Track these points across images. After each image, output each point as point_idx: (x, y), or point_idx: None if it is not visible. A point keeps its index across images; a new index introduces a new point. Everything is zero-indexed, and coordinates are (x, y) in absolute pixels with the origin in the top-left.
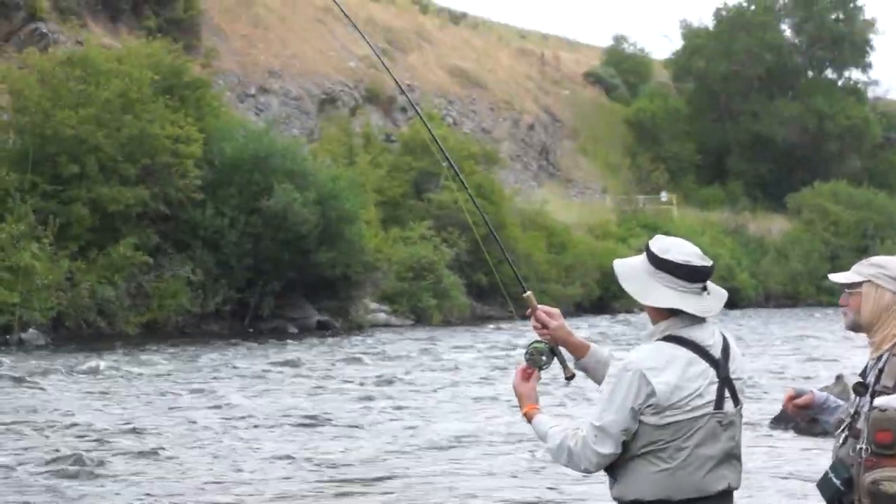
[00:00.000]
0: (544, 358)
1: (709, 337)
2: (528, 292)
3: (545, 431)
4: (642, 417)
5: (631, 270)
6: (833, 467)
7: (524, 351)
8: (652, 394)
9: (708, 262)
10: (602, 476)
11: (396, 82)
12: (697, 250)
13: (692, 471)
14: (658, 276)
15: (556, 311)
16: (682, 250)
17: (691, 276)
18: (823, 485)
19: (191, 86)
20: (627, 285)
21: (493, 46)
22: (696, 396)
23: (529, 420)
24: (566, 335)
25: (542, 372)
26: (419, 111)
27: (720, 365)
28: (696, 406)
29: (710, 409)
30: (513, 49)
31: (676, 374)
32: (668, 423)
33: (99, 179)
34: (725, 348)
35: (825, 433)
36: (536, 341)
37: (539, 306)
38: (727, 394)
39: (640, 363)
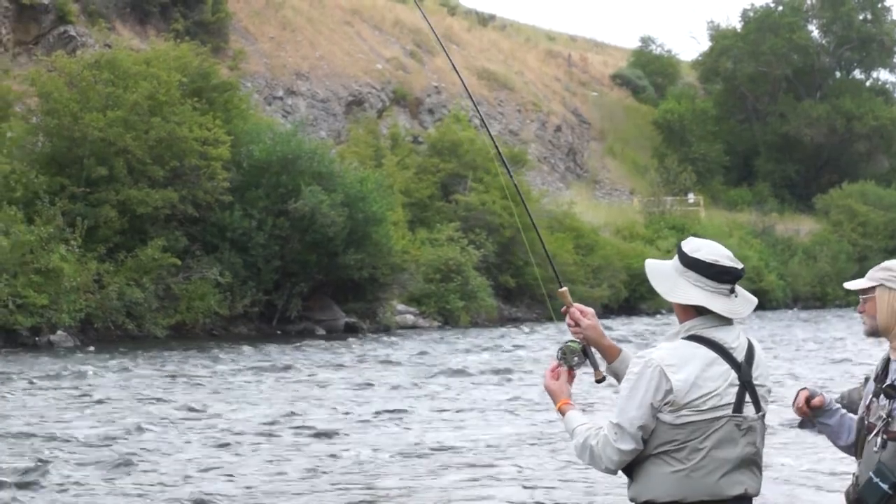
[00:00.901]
0: (576, 358)
1: (733, 339)
2: (564, 288)
3: (573, 428)
4: (659, 415)
5: (662, 269)
6: (878, 472)
7: (557, 349)
8: (670, 390)
9: (738, 265)
10: (622, 481)
11: (467, 90)
12: (728, 252)
13: (706, 473)
14: (687, 274)
15: (590, 310)
16: (713, 251)
17: (720, 276)
18: (869, 491)
19: (219, 88)
20: (656, 283)
21: (520, 48)
22: (713, 396)
23: (563, 415)
24: (598, 336)
25: (575, 371)
26: (481, 117)
27: (742, 368)
28: (713, 406)
29: (729, 411)
30: (540, 51)
31: (695, 372)
32: (685, 423)
33: (127, 182)
34: (750, 353)
35: None
36: (570, 340)
37: (574, 304)
38: (748, 398)
39: (661, 360)
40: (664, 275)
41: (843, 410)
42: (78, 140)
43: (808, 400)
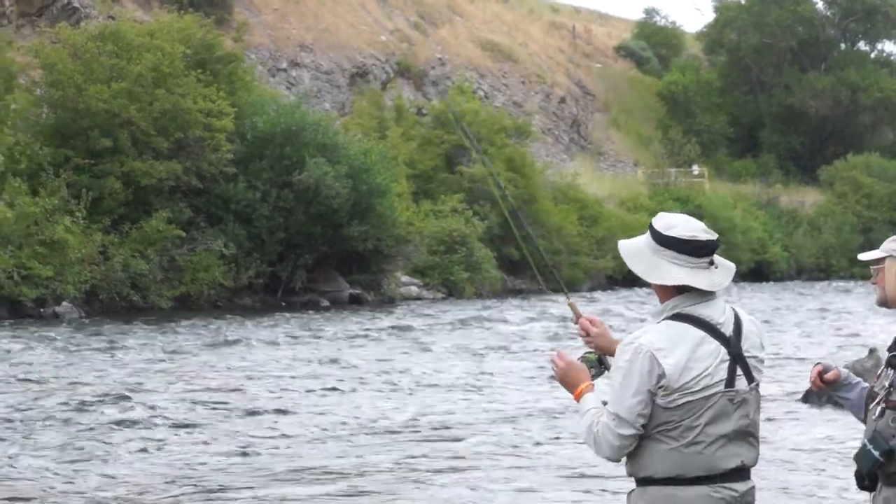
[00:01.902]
0: (594, 370)
1: (719, 314)
2: (571, 300)
3: (585, 410)
4: (655, 399)
5: (636, 250)
6: (872, 439)
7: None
8: (662, 374)
9: (713, 236)
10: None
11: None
12: (702, 225)
13: (702, 448)
14: (663, 253)
15: (597, 319)
16: (688, 226)
17: (698, 250)
18: (861, 457)
19: (223, 60)
20: (634, 265)
21: (524, 20)
22: (705, 376)
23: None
24: (608, 343)
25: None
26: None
27: (731, 342)
28: (705, 386)
29: (721, 387)
30: (544, 22)
31: (685, 354)
32: (678, 405)
33: (131, 153)
34: (737, 325)
35: None
36: (588, 352)
37: (583, 314)
38: (739, 371)
39: (650, 345)
40: (639, 255)
41: (865, 384)
42: (82, 112)
43: (821, 374)
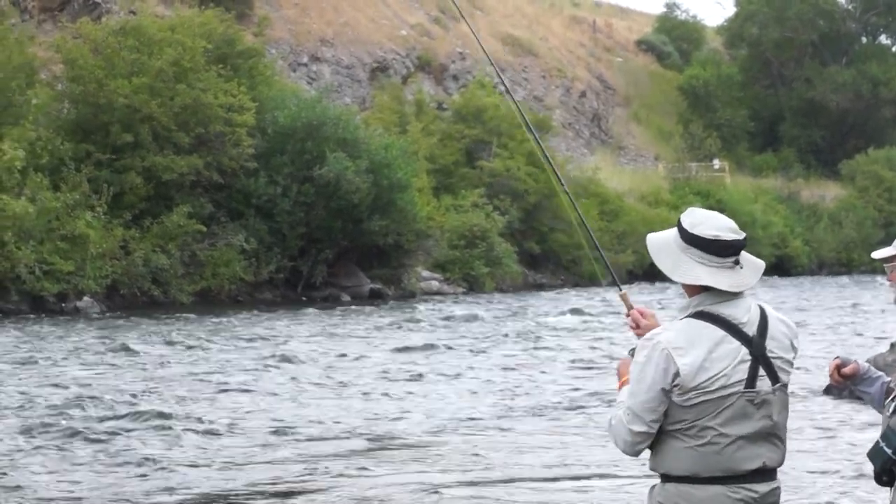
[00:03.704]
0: None
1: (743, 313)
2: (623, 290)
3: (617, 402)
4: (671, 396)
5: (663, 245)
6: (884, 436)
7: (628, 353)
8: (677, 373)
9: (740, 236)
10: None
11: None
12: (730, 223)
13: (719, 449)
14: (689, 251)
15: (650, 311)
16: (714, 225)
17: (722, 251)
18: (874, 454)
19: (243, 55)
20: (659, 261)
21: (545, 14)
22: (721, 377)
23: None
24: None
25: None
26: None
27: (754, 342)
28: (721, 386)
29: (741, 388)
30: (565, 16)
31: (702, 354)
32: (693, 405)
33: (152, 148)
34: (763, 324)
35: None
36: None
37: (634, 306)
38: (762, 372)
39: (668, 342)
40: (666, 250)
41: (886, 378)
42: (103, 107)
43: (839, 368)
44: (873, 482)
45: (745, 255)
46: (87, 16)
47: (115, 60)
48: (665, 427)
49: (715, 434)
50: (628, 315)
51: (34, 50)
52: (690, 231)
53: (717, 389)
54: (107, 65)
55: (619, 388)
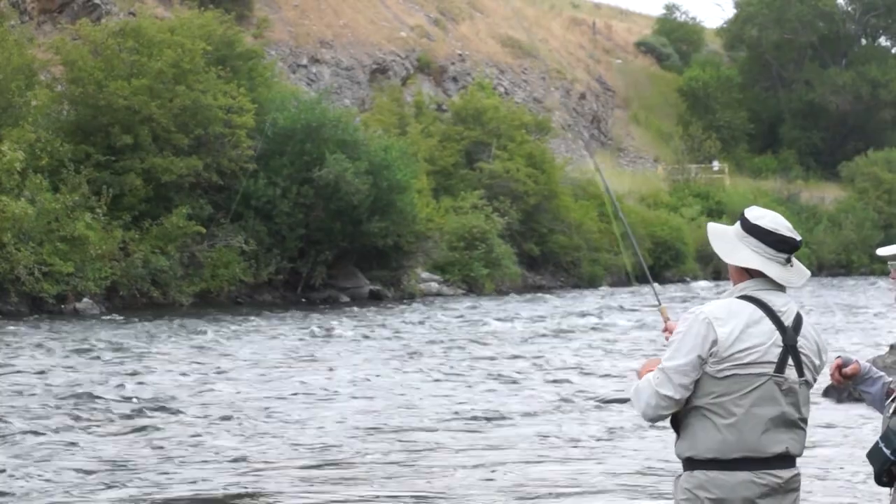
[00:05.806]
0: None
1: (783, 304)
2: (662, 305)
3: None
4: (705, 367)
5: (723, 232)
6: (884, 437)
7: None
8: (715, 341)
9: (797, 236)
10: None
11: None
12: (789, 224)
13: (747, 430)
14: (747, 240)
15: None
16: (774, 220)
17: (778, 244)
18: (874, 455)
19: (243, 56)
20: (716, 244)
21: (545, 16)
22: (755, 352)
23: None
24: None
25: None
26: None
27: (788, 332)
28: (753, 361)
29: (771, 370)
30: (565, 18)
31: (739, 326)
32: (725, 377)
33: (152, 150)
34: (797, 322)
35: None
36: None
37: (670, 318)
38: (791, 361)
39: (709, 312)
40: (725, 238)
41: (888, 378)
42: (103, 108)
43: (840, 368)
44: (873, 482)
45: (795, 259)
46: (87, 17)
47: (114, 62)
48: (694, 402)
49: (745, 413)
50: (665, 330)
51: (33, 51)
52: (752, 221)
53: (749, 364)
54: (106, 66)
55: (640, 376)
